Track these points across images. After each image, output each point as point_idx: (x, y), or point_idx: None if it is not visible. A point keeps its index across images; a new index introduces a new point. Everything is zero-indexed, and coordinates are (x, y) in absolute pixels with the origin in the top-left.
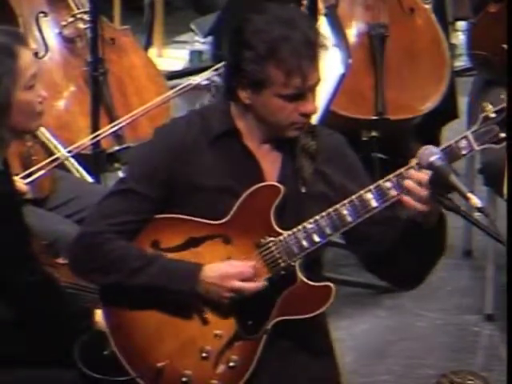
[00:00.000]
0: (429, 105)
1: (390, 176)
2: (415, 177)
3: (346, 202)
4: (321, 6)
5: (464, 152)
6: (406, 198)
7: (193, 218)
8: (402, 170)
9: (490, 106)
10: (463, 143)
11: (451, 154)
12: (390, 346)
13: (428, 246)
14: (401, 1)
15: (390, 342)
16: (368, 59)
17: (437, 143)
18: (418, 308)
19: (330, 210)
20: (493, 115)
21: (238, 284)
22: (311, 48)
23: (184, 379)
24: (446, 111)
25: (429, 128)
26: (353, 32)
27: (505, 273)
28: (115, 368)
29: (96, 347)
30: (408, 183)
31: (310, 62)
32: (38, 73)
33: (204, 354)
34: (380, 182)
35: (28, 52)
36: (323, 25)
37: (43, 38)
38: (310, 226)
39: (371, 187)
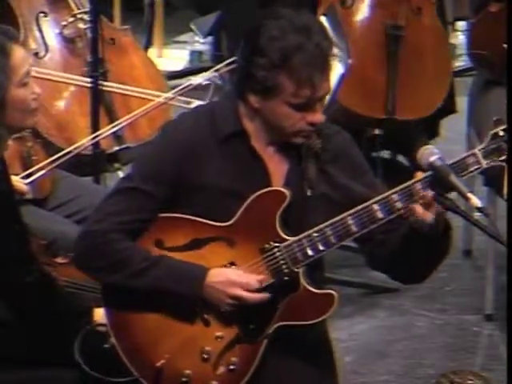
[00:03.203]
0: (434, 105)
1: (398, 188)
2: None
3: (351, 211)
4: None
5: (472, 169)
6: (419, 208)
7: (198, 219)
8: (409, 182)
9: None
10: (471, 160)
11: (459, 171)
12: (390, 346)
13: (432, 250)
14: (410, 0)
15: (390, 342)
16: (383, 58)
17: (435, 135)
18: (418, 308)
19: (336, 219)
20: (502, 133)
21: (241, 293)
22: (324, 59)
23: (184, 379)
24: (444, 107)
25: (428, 124)
26: (369, 31)
27: (505, 273)
28: (116, 366)
29: (96, 343)
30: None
31: (322, 74)
32: (38, 72)
33: (204, 356)
34: (387, 193)
35: (20, 49)
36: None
37: (43, 38)
38: (315, 234)
39: (378, 198)
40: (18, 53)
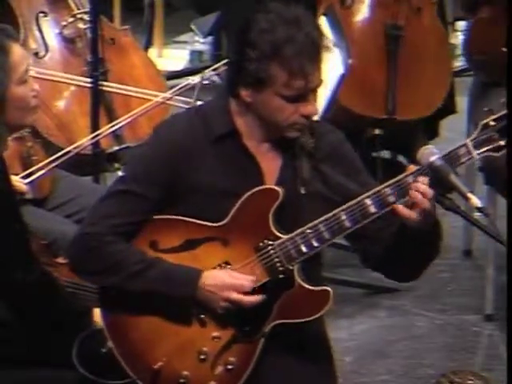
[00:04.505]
0: (434, 105)
1: (390, 182)
2: (421, 189)
3: (344, 207)
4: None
5: (463, 159)
6: (402, 209)
7: (191, 220)
8: (401, 176)
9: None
10: (462, 151)
11: (451, 162)
12: (390, 346)
13: (423, 247)
14: (410, 0)
15: (390, 341)
16: (383, 58)
17: (435, 135)
18: (418, 308)
19: (329, 214)
20: (492, 123)
21: (235, 296)
22: (315, 50)
23: (182, 380)
24: (444, 107)
25: (428, 124)
26: (369, 31)
27: (505, 273)
28: (113, 368)
29: (94, 346)
30: (415, 195)
31: (313, 64)
32: (38, 72)
33: (202, 356)
34: (379, 187)
35: (19, 47)
36: (323, 25)
37: (43, 38)
38: (308, 230)
39: (370, 193)
40: (16, 50)
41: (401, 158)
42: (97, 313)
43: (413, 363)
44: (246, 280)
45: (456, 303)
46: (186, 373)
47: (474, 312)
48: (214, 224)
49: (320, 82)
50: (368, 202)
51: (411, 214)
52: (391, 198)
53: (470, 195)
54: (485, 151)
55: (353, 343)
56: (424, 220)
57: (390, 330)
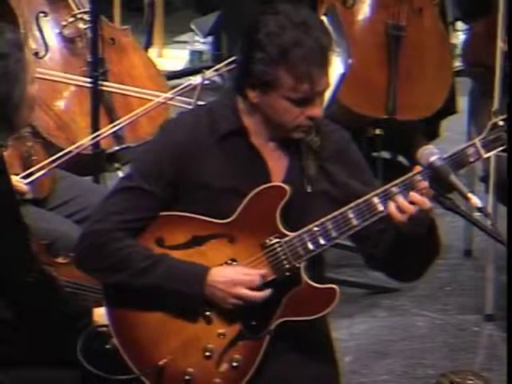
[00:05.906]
0: (435, 106)
1: (397, 181)
2: (421, 189)
3: (352, 205)
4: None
5: (472, 159)
6: (393, 210)
7: (198, 217)
8: (410, 174)
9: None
10: (471, 150)
11: (459, 161)
12: (390, 346)
13: (420, 250)
14: (411, 0)
15: (390, 341)
16: (384, 58)
17: (435, 135)
18: (418, 308)
19: (336, 212)
20: (501, 123)
21: (244, 292)
22: (323, 54)
23: (187, 377)
24: (445, 107)
25: (429, 124)
26: (370, 31)
27: (505, 273)
28: (118, 365)
29: (98, 343)
30: (414, 196)
31: (321, 69)
32: (38, 72)
33: (207, 353)
34: (387, 186)
35: None
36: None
37: (43, 38)
38: (315, 228)
39: (378, 191)
40: (27, 49)
41: (401, 158)
42: (97, 312)
43: (413, 363)
44: (253, 275)
45: (456, 303)
46: (190, 369)
47: (474, 312)
48: (221, 221)
49: (327, 86)
50: (376, 200)
51: (400, 217)
52: (399, 197)
53: (470, 195)
54: (493, 151)
55: (353, 343)
56: (418, 223)
57: (389, 329)
